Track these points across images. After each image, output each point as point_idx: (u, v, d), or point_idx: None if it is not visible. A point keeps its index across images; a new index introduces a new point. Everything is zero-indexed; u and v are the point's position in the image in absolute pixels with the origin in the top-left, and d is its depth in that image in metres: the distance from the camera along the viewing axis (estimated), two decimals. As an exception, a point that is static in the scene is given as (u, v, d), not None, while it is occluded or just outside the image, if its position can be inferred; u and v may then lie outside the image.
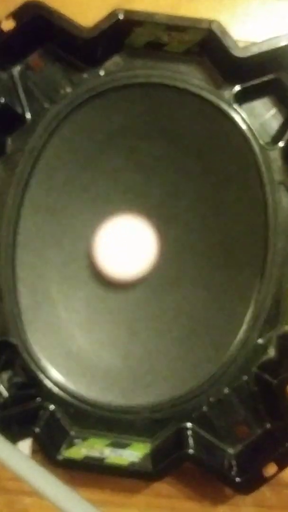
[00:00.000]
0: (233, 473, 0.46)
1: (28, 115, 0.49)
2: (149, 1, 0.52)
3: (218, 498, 0.49)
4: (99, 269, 0.50)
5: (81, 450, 0.46)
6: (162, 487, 0.49)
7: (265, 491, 0.49)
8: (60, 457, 0.45)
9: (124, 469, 0.45)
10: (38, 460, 0.45)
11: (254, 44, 0.45)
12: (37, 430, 0.46)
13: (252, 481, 0.45)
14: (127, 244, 0.50)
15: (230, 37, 0.45)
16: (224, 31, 0.45)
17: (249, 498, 0.49)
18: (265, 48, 0.45)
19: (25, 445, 0.48)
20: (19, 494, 0.49)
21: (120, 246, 0.50)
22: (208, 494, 0.49)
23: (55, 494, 0.34)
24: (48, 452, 0.46)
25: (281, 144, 0.48)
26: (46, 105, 0.49)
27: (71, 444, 0.47)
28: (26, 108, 0.49)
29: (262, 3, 0.52)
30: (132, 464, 0.45)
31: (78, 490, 0.35)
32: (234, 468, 0.46)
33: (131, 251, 0.50)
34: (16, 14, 0.46)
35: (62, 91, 0.49)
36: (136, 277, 0.51)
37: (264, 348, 0.48)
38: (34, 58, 0.49)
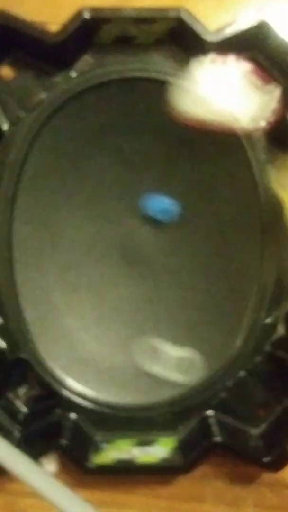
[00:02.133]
0: (260, 453, 0.46)
1: (5, 127, 0.47)
2: (150, 1, 0.49)
3: (218, 499, 0.49)
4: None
5: (109, 454, 0.46)
6: (161, 487, 0.49)
7: (265, 491, 0.49)
8: (91, 465, 0.46)
9: (156, 466, 0.45)
10: (67, 471, 0.45)
11: (223, 27, 0.45)
12: (63, 441, 0.46)
13: (279, 459, 0.46)
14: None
15: (199, 23, 0.45)
16: (193, 18, 0.44)
17: (249, 499, 0.49)
18: (235, 30, 0.45)
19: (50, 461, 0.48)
20: (19, 495, 0.49)
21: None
22: (208, 494, 0.50)
23: (55, 495, 0.34)
24: (78, 462, 0.46)
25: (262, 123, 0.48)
26: (22, 114, 0.47)
27: (98, 450, 0.47)
28: (2, 120, 0.47)
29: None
30: (163, 460, 0.46)
31: (78, 491, 0.35)
32: (261, 448, 0.47)
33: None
34: (-21, 26, 0.45)
35: (36, 98, 0.47)
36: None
37: (273, 327, 0.49)
38: (4, 68, 0.47)
